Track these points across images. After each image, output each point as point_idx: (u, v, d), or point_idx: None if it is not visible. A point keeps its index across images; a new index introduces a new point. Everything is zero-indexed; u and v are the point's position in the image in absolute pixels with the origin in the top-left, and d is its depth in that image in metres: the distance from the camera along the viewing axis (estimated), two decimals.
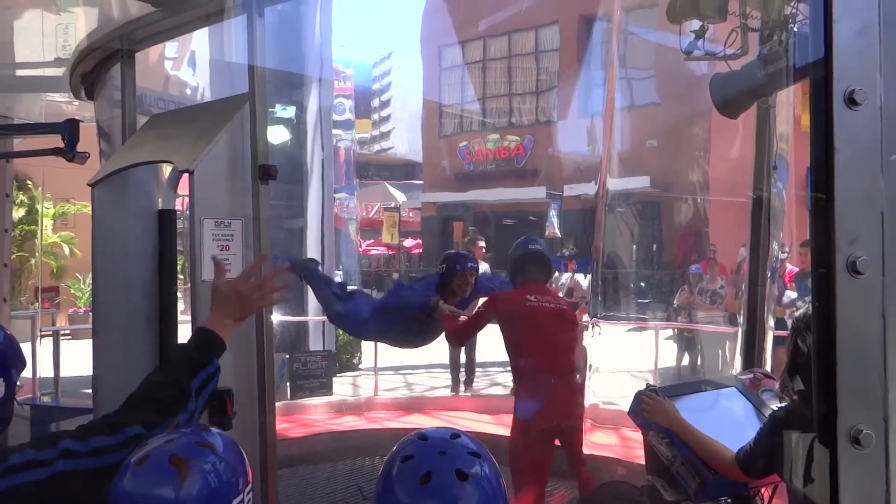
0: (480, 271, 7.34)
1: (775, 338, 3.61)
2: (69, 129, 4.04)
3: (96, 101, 3.87)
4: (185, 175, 2.33)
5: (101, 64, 3.42)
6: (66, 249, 13.38)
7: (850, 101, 0.94)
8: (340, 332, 9.92)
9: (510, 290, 3.71)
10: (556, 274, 7.70)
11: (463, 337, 4.13)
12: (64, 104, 5.03)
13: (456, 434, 1.29)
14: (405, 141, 31.45)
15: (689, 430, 2.33)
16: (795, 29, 2.28)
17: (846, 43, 0.95)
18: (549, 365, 3.42)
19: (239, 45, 2.59)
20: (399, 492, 1.20)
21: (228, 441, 1.25)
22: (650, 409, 2.43)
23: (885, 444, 0.94)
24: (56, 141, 4.13)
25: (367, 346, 8.99)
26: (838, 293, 0.94)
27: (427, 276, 4.30)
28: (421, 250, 22.36)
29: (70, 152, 4.04)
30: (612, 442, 4.34)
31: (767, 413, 2.38)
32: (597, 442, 3.69)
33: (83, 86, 3.82)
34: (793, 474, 1.80)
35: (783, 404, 2.10)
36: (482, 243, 7.88)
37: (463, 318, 3.77)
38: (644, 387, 2.53)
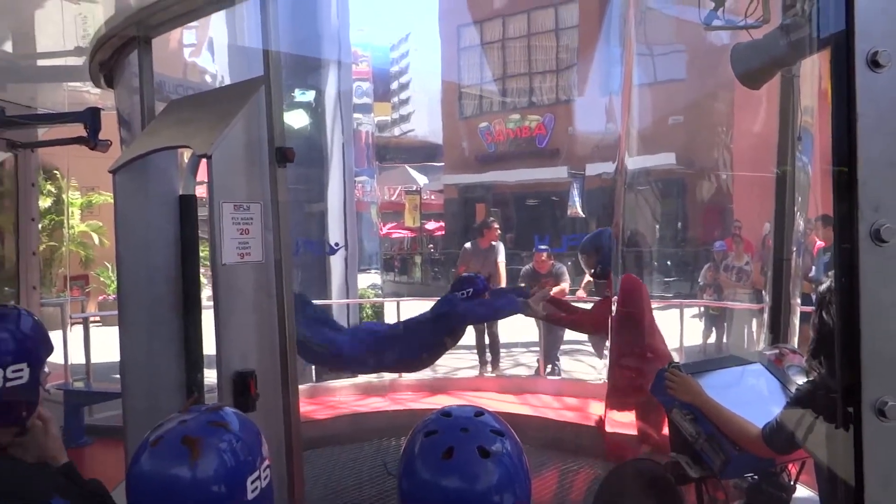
0: (495, 244, 7.53)
1: (802, 314, 3.56)
2: (91, 117, 4.08)
3: (116, 89, 3.89)
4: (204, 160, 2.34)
5: (118, 51, 3.44)
6: (95, 239, 13.59)
7: (873, 64, 0.91)
8: (364, 314, 10.02)
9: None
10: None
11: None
12: (86, 92, 5.07)
13: (480, 412, 1.29)
14: (425, 123, 31.31)
15: (713, 407, 2.31)
16: None
17: (869, 3, 0.91)
18: None
19: (253, 29, 2.58)
20: (421, 466, 1.21)
21: (243, 420, 1.26)
22: (674, 386, 2.42)
23: None
24: (79, 130, 4.18)
25: None
26: (862, 262, 0.92)
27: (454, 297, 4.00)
28: (443, 232, 22.36)
29: (93, 140, 4.09)
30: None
31: (793, 388, 2.36)
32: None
33: (102, 74, 3.84)
34: (817, 448, 1.78)
35: (809, 379, 2.08)
36: (496, 225, 8.13)
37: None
38: (667, 364, 2.52)
